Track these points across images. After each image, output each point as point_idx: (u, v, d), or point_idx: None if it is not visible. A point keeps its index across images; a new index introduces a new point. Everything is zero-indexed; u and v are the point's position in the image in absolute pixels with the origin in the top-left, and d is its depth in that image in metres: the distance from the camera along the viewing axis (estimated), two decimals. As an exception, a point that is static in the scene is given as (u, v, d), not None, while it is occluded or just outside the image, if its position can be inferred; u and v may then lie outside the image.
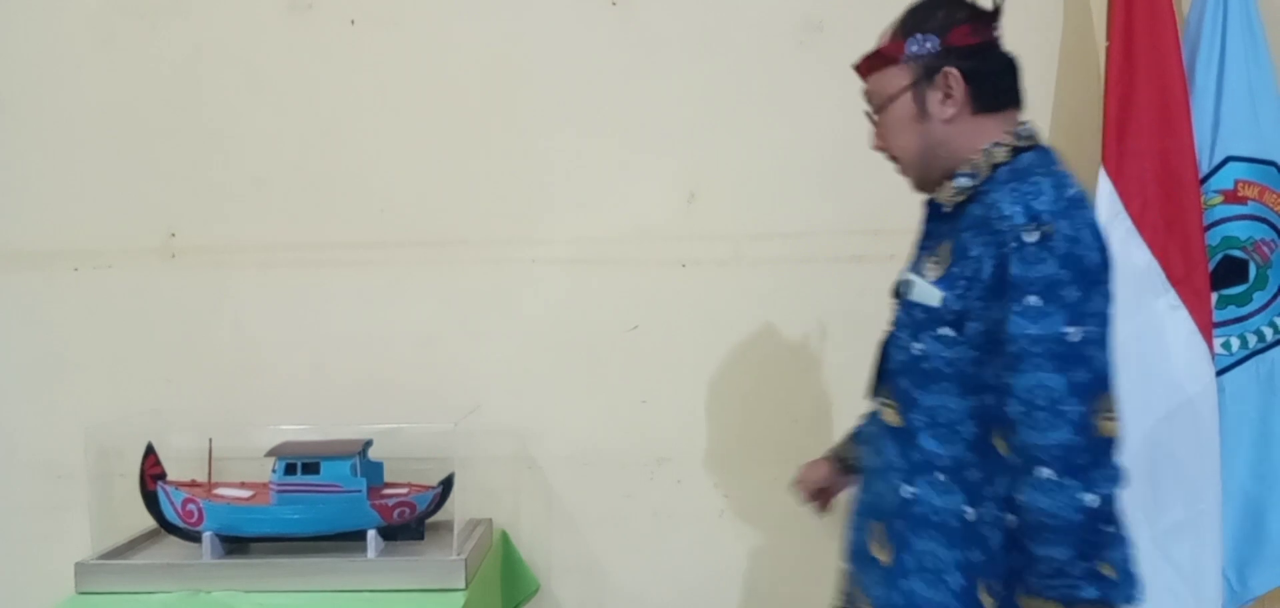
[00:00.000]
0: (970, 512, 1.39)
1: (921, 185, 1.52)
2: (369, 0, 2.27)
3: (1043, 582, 1.30)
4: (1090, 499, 1.26)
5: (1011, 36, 2.11)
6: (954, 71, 1.44)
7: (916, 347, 1.43)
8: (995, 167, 1.43)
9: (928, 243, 1.53)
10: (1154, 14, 1.91)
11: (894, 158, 1.52)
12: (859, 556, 1.54)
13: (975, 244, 1.38)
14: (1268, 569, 1.96)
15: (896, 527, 1.45)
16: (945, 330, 1.40)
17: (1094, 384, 1.29)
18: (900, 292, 1.49)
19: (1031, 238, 1.31)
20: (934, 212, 1.52)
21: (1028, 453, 1.29)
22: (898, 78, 1.47)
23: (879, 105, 1.50)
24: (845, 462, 1.74)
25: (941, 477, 1.41)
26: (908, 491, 1.44)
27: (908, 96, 1.46)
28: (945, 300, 1.39)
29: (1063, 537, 1.27)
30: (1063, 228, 1.31)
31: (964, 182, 1.44)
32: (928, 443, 1.42)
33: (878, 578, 1.47)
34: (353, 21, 2.26)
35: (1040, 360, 1.29)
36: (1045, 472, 1.28)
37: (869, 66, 1.51)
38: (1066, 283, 1.29)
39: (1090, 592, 1.28)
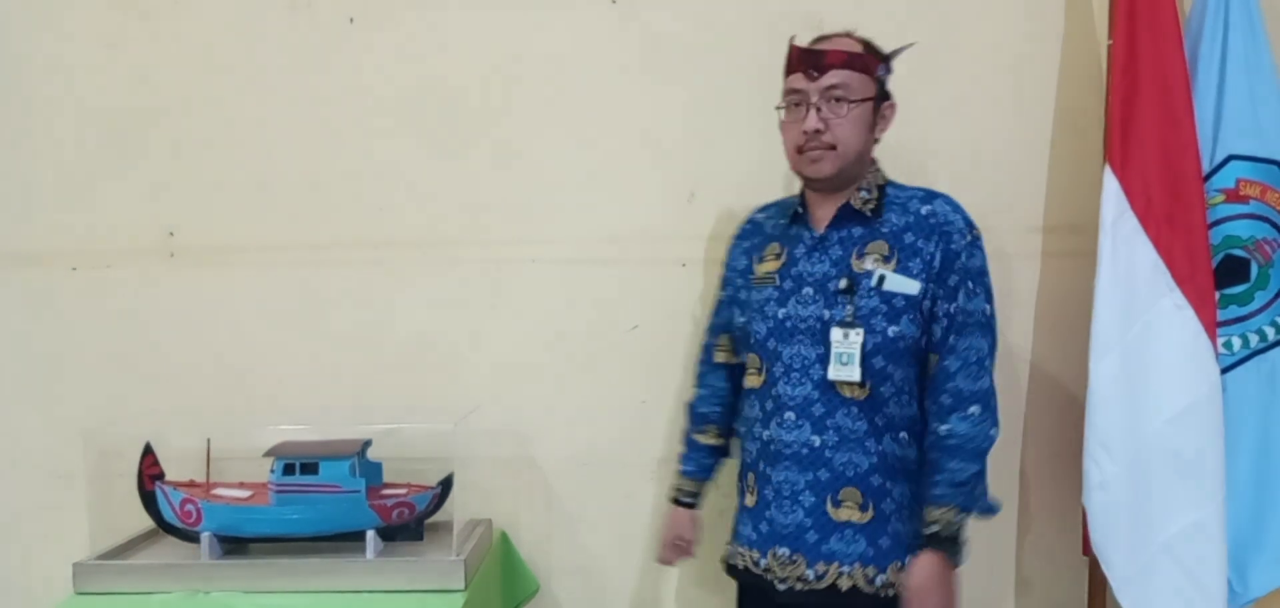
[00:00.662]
0: (916, 457, 1.75)
1: (830, 182, 1.75)
2: (368, -1, 2.27)
3: (951, 490, 1.68)
4: (994, 433, 1.71)
5: (1014, 35, 2.14)
6: (895, 105, 1.78)
7: (892, 329, 1.69)
8: (881, 187, 1.77)
9: (846, 244, 1.74)
10: (1156, 12, 1.90)
11: (830, 147, 1.71)
12: (814, 531, 1.72)
13: (924, 241, 1.70)
14: (1269, 570, 1.94)
15: (874, 482, 1.72)
16: (918, 313, 1.70)
17: (995, 349, 1.73)
18: (858, 284, 1.70)
19: (969, 238, 1.71)
20: (847, 216, 1.75)
21: (960, 395, 1.68)
22: (869, 86, 1.73)
23: (849, 98, 1.71)
24: (694, 500, 1.99)
25: (903, 435, 1.74)
26: (880, 448, 1.72)
27: (870, 105, 1.74)
28: (922, 288, 1.69)
29: (975, 458, 1.69)
30: (980, 234, 1.73)
31: (866, 195, 1.76)
32: (894, 409, 1.73)
33: (853, 536, 1.72)
34: (352, 20, 2.26)
35: (974, 329, 1.69)
36: (974, 408, 1.68)
37: (851, 63, 1.71)
38: (986, 273, 1.73)
39: (984, 503, 1.74)
